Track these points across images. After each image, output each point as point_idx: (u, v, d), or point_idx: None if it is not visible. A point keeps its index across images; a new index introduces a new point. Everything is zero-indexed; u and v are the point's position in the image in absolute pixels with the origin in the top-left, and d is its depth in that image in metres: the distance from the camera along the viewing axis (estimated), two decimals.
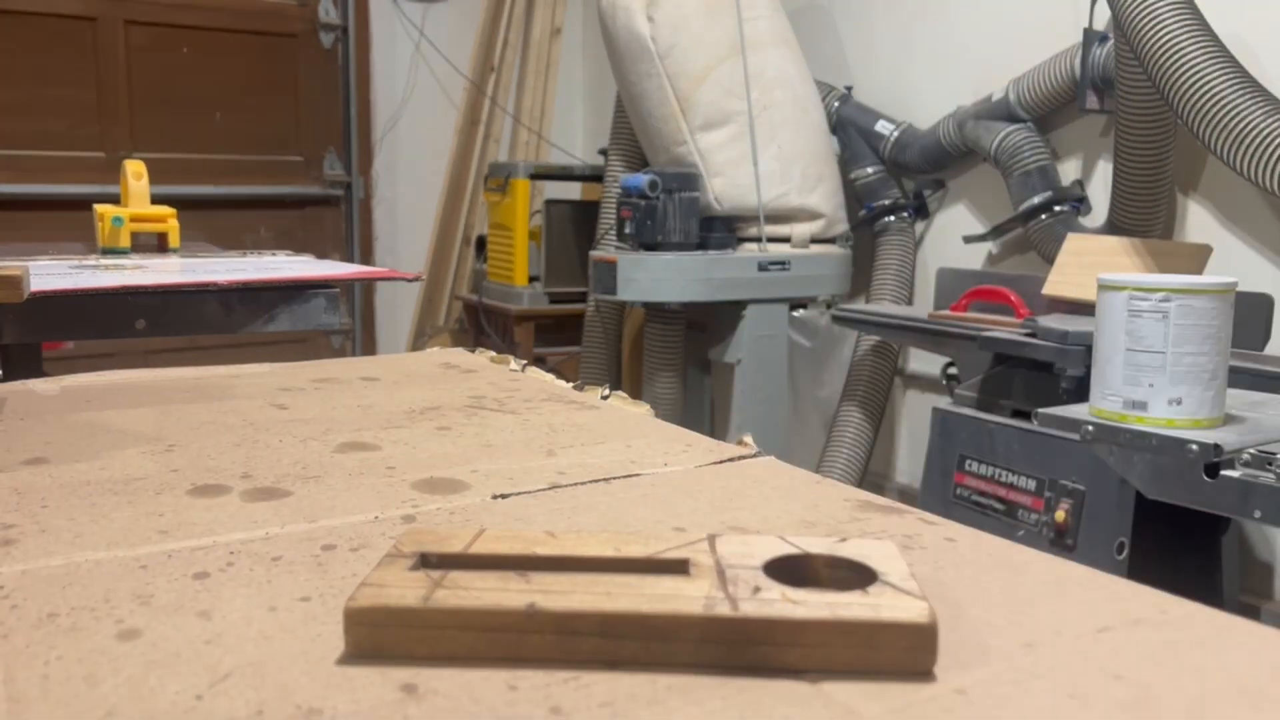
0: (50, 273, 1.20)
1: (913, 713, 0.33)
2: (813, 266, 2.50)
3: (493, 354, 0.97)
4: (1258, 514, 1.11)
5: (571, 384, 0.84)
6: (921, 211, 2.62)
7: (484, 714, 0.32)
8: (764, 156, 2.46)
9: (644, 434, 0.69)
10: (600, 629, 0.36)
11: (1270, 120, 1.61)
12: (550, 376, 0.88)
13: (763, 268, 2.43)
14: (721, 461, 0.64)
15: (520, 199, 3.05)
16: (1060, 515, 1.34)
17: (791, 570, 0.39)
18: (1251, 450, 1.13)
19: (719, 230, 2.49)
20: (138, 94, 3.21)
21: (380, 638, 0.36)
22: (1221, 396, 1.22)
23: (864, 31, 2.77)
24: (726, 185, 2.46)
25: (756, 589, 0.37)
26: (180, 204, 1.77)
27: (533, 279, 3.14)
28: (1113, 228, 2.09)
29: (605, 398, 0.79)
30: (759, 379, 2.46)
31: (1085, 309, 1.78)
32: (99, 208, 1.59)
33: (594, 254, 2.46)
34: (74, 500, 0.54)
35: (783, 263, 2.45)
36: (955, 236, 2.54)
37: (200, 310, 1.12)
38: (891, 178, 2.64)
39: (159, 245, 1.63)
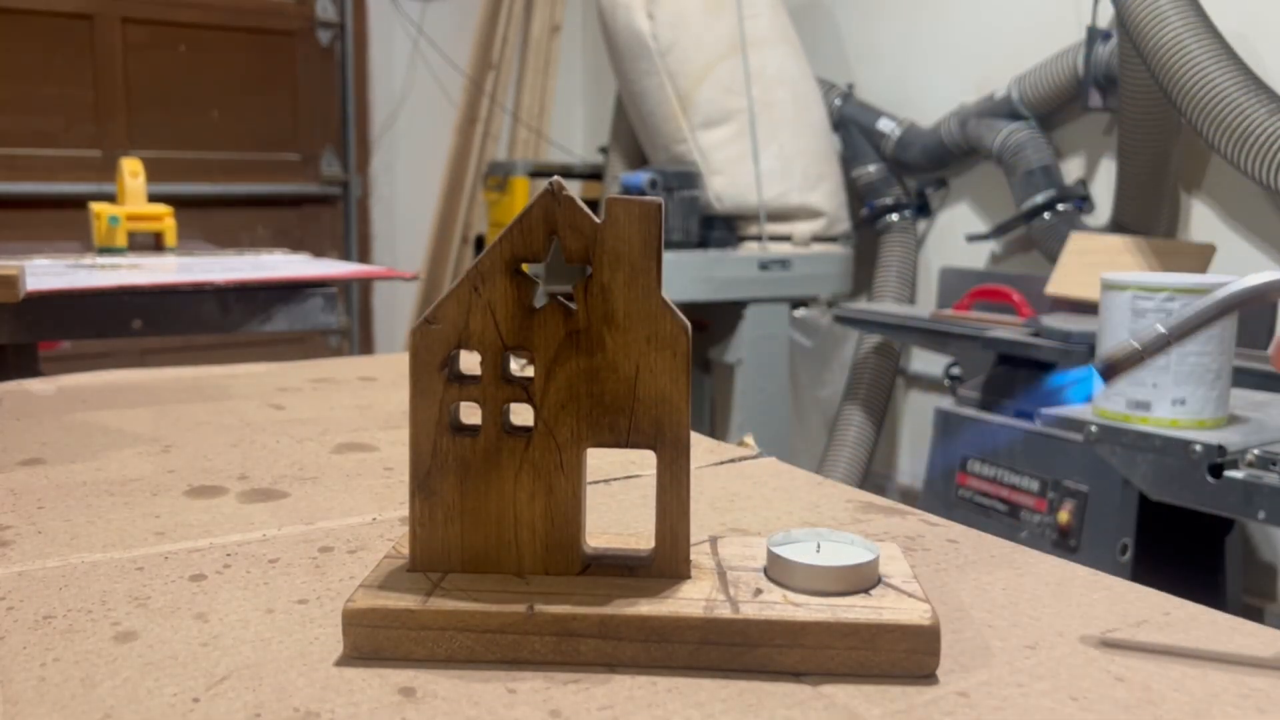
0: (46, 272, 1.20)
1: (914, 715, 0.33)
2: (814, 265, 2.50)
3: None
4: (1261, 515, 1.11)
5: None
6: (924, 210, 2.62)
7: (483, 716, 0.32)
8: (765, 155, 2.45)
9: None
10: (600, 631, 0.35)
11: (1274, 119, 1.60)
12: None
13: (764, 267, 2.43)
14: (722, 462, 0.64)
15: (519, 197, 3.05)
16: (1063, 516, 1.33)
17: None
18: (1255, 451, 1.13)
19: (719, 229, 2.49)
20: (134, 92, 3.20)
21: (378, 640, 0.36)
22: (1225, 397, 1.21)
23: (865, 29, 2.77)
24: (727, 184, 2.46)
25: (758, 591, 0.37)
26: (177, 203, 1.76)
27: None
28: (1116, 227, 2.09)
29: None
30: (760, 379, 2.46)
31: (1089, 308, 1.77)
32: (95, 206, 1.59)
33: None
34: (70, 501, 0.54)
35: (784, 262, 2.45)
36: (958, 235, 2.54)
37: (197, 310, 1.12)
38: (893, 176, 2.64)
39: (155, 244, 1.63)
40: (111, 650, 0.36)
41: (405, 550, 0.40)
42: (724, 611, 0.35)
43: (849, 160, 2.68)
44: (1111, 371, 0.37)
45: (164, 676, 0.34)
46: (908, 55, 2.65)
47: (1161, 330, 0.37)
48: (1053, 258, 2.03)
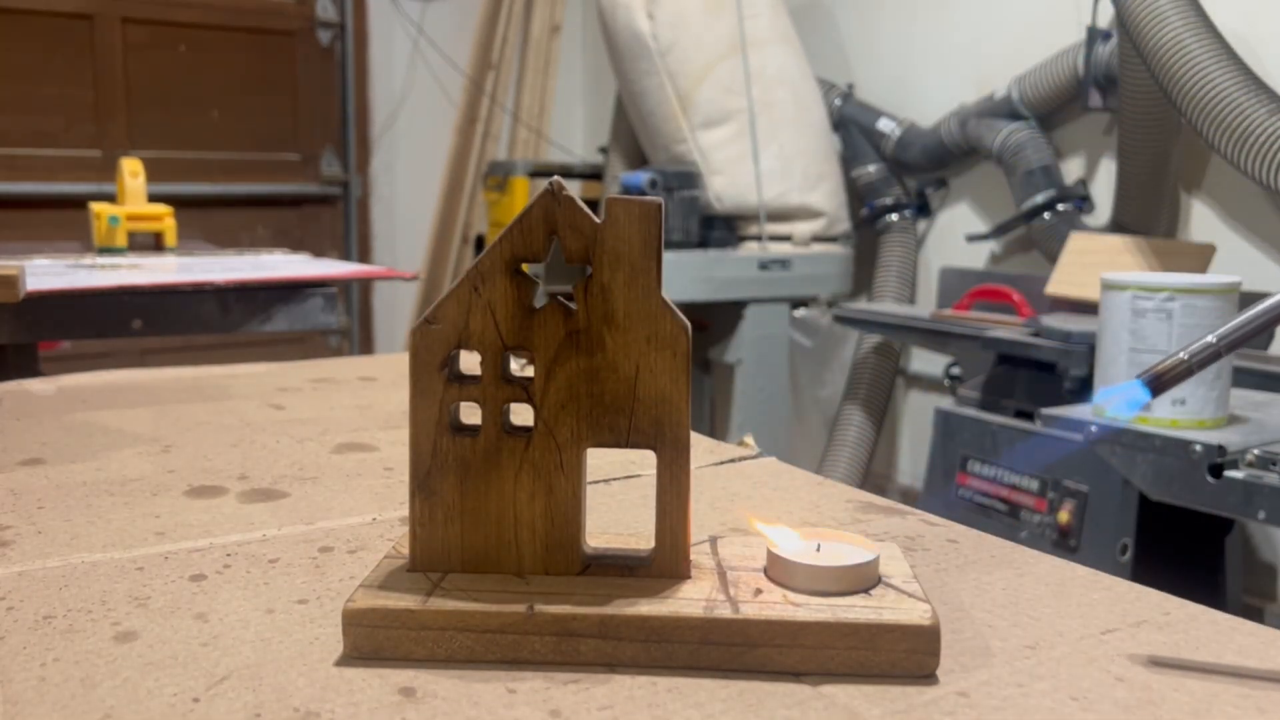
0: (46, 272, 1.20)
1: (914, 715, 0.33)
2: (814, 265, 2.50)
3: None
4: (1261, 515, 1.11)
5: None
6: (924, 210, 2.62)
7: (483, 716, 0.32)
8: (765, 155, 2.45)
9: None
10: (600, 631, 0.35)
11: (1274, 119, 1.60)
12: None
13: (764, 267, 2.43)
14: (722, 462, 0.64)
15: (519, 197, 3.05)
16: (1063, 516, 1.33)
17: None
18: (1255, 451, 1.13)
19: (719, 229, 2.49)
20: (135, 92, 3.20)
21: (378, 640, 0.36)
22: (1225, 397, 1.21)
23: (866, 29, 2.77)
24: (727, 184, 2.46)
25: (758, 591, 0.37)
26: (177, 203, 1.76)
27: None
28: (1116, 227, 2.09)
29: None
30: (760, 379, 2.46)
31: (1089, 308, 1.77)
32: (95, 206, 1.59)
33: None
34: (70, 501, 0.54)
35: (784, 262, 2.45)
36: (958, 235, 2.54)
37: (197, 310, 1.12)
38: (893, 176, 2.64)
39: (155, 244, 1.63)
40: (111, 650, 0.36)
41: (405, 550, 0.40)
42: (724, 611, 0.35)
43: (849, 160, 2.68)
44: (1159, 385, 0.36)
45: (164, 676, 0.34)
46: (908, 55, 2.65)
47: (1211, 340, 0.36)
48: (1053, 258, 2.03)
